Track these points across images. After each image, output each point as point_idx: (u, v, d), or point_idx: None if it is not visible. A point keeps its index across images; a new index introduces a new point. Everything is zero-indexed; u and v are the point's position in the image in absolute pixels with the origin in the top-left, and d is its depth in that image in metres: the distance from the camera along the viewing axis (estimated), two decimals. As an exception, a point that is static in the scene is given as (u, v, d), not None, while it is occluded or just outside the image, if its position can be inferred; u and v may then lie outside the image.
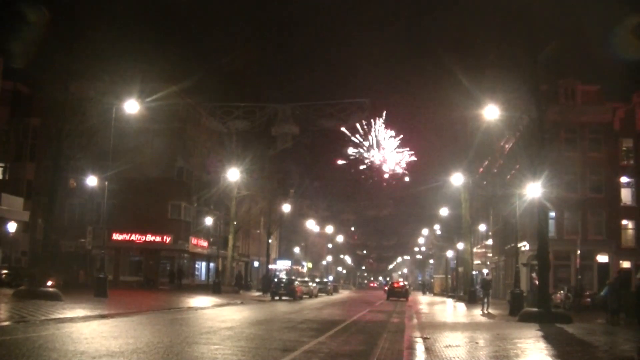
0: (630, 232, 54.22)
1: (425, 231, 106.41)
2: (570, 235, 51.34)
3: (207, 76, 55.03)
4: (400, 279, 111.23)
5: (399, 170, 58.98)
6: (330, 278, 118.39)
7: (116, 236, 55.67)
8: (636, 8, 39.83)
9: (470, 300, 51.33)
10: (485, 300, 39.10)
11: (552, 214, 49.29)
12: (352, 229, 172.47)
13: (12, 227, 43.32)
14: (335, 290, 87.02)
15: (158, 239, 57.44)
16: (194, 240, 61.58)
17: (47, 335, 16.77)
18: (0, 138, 46.09)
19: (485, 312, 36.31)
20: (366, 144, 61.85)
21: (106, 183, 37.04)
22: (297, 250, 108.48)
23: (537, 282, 34.00)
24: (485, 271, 47.06)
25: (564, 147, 49.35)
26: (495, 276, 71.99)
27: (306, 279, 76.84)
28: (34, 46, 33.86)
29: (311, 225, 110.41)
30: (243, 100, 53.49)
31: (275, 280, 56.45)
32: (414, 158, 59.29)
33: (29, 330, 17.47)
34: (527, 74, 30.02)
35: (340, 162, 78.41)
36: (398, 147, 60.29)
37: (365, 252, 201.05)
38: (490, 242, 72.93)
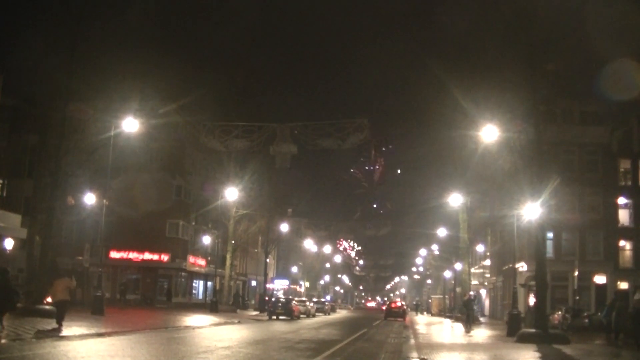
0: (628, 253, 54.20)
1: (423, 251, 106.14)
2: (568, 256, 51.36)
3: (206, 94, 55.00)
4: (398, 299, 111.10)
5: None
6: (328, 297, 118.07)
7: (114, 254, 55.59)
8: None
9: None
10: (469, 320, 39.36)
11: (550, 234, 49.34)
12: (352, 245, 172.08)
13: (9, 244, 43.13)
14: (333, 309, 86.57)
15: (156, 257, 57.30)
16: (191, 259, 61.39)
17: (43, 354, 16.71)
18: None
19: (469, 332, 36.43)
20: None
21: (104, 201, 37.02)
22: (294, 269, 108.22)
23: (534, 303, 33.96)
24: (471, 293, 47.15)
25: (562, 168, 49.35)
26: (493, 297, 71.88)
27: (304, 298, 76.58)
28: (34, 64, 33.98)
29: (309, 244, 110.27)
30: (242, 119, 53.32)
31: (273, 299, 56.22)
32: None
33: (25, 349, 17.41)
34: (525, 94, 30.08)
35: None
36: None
37: (362, 271, 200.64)
38: (488, 262, 72.83)
